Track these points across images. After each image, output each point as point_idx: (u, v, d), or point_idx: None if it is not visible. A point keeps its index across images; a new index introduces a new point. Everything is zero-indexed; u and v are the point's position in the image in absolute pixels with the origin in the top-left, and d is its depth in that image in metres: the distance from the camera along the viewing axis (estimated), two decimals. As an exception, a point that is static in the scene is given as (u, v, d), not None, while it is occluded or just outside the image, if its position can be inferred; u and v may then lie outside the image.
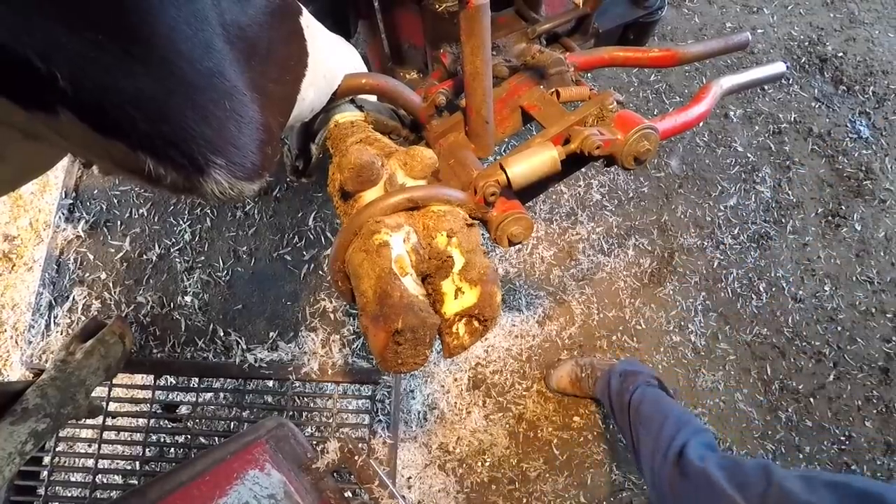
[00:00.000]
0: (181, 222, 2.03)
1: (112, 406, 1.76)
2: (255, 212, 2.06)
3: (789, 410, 1.99)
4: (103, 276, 1.95)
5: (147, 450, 1.72)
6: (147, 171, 0.48)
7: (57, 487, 1.68)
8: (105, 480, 1.70)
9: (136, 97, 0.44)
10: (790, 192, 2.27)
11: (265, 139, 0.57)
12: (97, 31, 0.41)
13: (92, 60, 0.41)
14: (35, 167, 0.69)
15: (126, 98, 0.44)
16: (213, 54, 0.50)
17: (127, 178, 0.54)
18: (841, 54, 2.52)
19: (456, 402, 1.92)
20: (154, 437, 1.75)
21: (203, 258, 2.00)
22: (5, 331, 1.93)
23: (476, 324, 0.76)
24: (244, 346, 1.88)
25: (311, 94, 0.75)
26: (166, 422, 1.81)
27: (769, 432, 1.97)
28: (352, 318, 1.94)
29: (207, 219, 2.04)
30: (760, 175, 2.28)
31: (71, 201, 2.01)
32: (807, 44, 2.53)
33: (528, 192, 0.87)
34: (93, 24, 0.41)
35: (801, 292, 2.13)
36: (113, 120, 0.44)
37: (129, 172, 0.50)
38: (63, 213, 1.99)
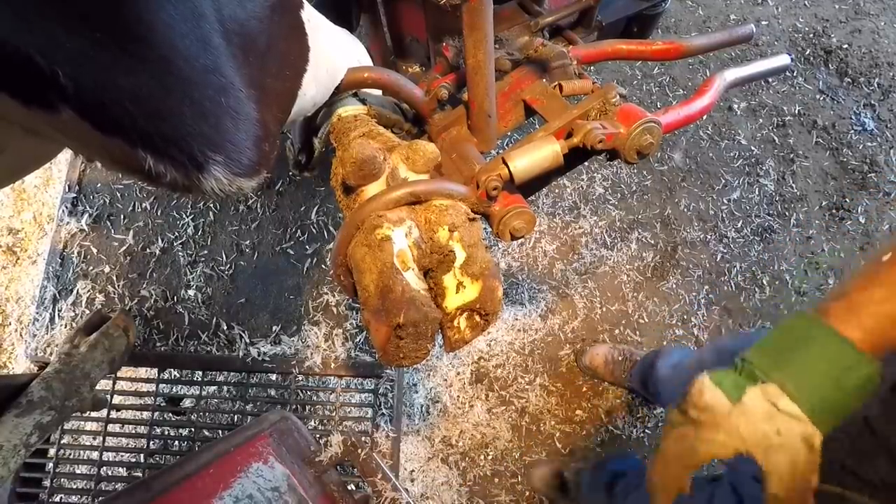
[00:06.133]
0: (184, 216, 2.03)
1: (116, 399, 1.77)
2: (258, 206, 2.06)
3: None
4: (107, 269, 1.95)
5: (151, 442, 1.73)
6: (147, 168, 0.48)
7: (62, 479, 1.69)
8: (110, 473, 1.71)
9: (135, 95, 0.45)
10: (794, 185, 2.26)
11: (262, 135, 0.57)
12: (96, 29, 0.41)
13: (92, 58, 0.42)
14: (35, 159, 0.69)
15: (126, 96, 0.44)
16: (210, 51, 0.50)
17: (127, 175, 0.55)
18: (846, 46, 2.50)
19: (459, 396, 1.92)
20: (158, 430, 1.76)
21: (206, 252, 2.00)
22: (10, 324, 1.94)
23: (477, 318, 0.76)
24: (247, 340, 1.89)
25: (313, 88, 0.75)
26: (170, 415, 1.82)
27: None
28: (354, 312, 1.94)
29: (210, 213, 2.04)
30: (764, 168, 2.27)
31: (74, 195, 2.02)
32: (811, 35, 2.52)
33: (531, 186, 0.87)
34: (92, 22, 0.41)
35: (804, 286, 2.13)
36: (113, 117, 0.45)
37: (129, 170, 0.50)
38: (66, 207, 1.99)
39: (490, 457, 1.88)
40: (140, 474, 1.70)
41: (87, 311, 1.88)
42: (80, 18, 0.40)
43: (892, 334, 0.61)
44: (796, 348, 0.63)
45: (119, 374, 1.75)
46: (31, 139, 0.54)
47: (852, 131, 2.36)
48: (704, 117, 2.20)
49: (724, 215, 2.20)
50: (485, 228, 0.84)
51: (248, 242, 2.01)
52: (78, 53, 0.41)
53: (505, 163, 0.76)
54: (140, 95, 0.45)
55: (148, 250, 1.99)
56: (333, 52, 0.82)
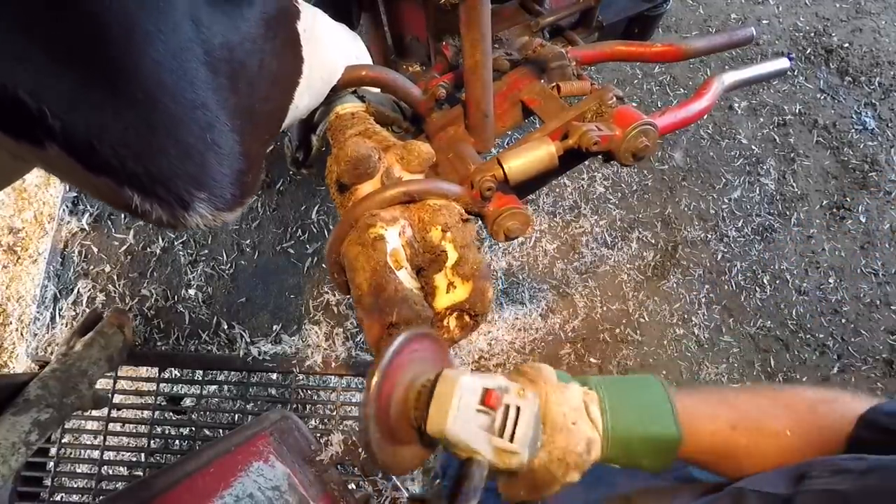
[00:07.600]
0: (185, 215, 2.03)
1: (117, 398, 1.77)
2: (259, 205, 2.06)
3: (792, 403, 1.98)
4: (107, 268, 1.95)
5: (152, 442, 1.74)
6: (134, 206, 0.49)
7: (63, 479, 1.69)
8: (111, 472, 1.71)
9: (122, 135, 0.45)
10: (794, 185, 2.25)
11: (244, 169, 0.58)
12: (84, 67, 0.42)
13: (80, 98, 0.42)
14: (22, 169, 0.70)
15: (114, 137, 0.45)
16: (197, 85, 0.50)
17: (112, 208, 0.56)
18: (847, 45, 2.50)
19: (458, 395, 1.91)
20: (159, 430, 1.76)
21: (206, 251, 2.00)
22: (10, 323, 1.94)
23: (467, 318, 0.76)
24: (248, 339, 1.89)
25: (307, 98, 0.75)
26: (171, 414, 1.82)
27: (772, 425, 1.96)
28: (354, 312, 1.94)
29: (211, 212, 2.04)
30: (765, 167, 2.27)
31: (75, 194, 2.02)
32: (812, 34, 2.51)
33: (527, 186, 0.87)
34: (80, 61, 0.41)
35: (805, 285, 2.13)
36: (101, 158, 0.45)
37: (115, 206, 0.51)
38: (67, 206, 2.00)
39: (490, 456, 1.87)
40: (141, 473, 1.70)
41: (88, 311, 1.88)
42: (68, 58, 0.41)
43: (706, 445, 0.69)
44: (631, 389, 0.71)
45: (119, 374, 1.75)
46: (18, 161, 0.54)
47: (853, 130, 2.35)
48: (705, 116, 2.20)
49: (724, 214, 2.19)
50: (484, 228, 0.85)
51: (248, 241, 2.02)
52: (66, 92, 0.41)
53: (500, 163, 0.76)
54: (127, 135, 0.45)
55: (148, 249, 1.99)
56: (331, 53, 0.82)
